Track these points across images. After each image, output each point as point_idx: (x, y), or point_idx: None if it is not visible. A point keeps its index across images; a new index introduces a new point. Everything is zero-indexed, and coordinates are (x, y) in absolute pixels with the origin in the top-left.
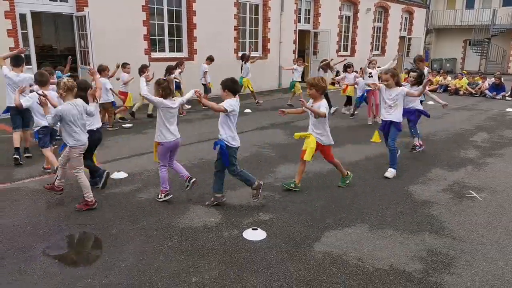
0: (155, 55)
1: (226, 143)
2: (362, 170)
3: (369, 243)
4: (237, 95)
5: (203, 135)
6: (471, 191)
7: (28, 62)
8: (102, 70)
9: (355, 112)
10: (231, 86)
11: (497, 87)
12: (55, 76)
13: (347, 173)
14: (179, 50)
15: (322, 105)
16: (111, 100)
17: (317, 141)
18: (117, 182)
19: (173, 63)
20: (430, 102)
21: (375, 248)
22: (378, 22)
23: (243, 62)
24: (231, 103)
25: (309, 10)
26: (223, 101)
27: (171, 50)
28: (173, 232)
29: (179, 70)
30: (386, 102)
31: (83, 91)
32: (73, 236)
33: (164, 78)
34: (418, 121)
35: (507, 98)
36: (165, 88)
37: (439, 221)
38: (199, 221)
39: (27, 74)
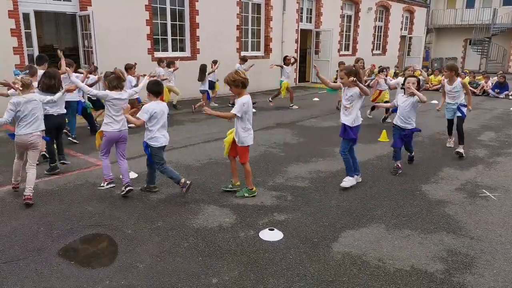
0: (158, 54)
1: (148, 142)
2: (373, 170)
3: (388, 244)
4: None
5: (211, 135)
6: (484, 190)
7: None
8: (128, 68)
9: (387, 117)
10: (151, 89)
11: (501, 86)
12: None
13: (254, 188)
14: (182, 49)
15: (236, 105)
16: (136, 96)
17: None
18: None
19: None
20: (435, 101)
21: (394, 248)
22: (379, 21)
23: (284, 65)
24: (149, 110)
25: (311, 10)
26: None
27: (174, 49)
28: (188, 233)
29: (212, 69)
30: (343, 103)
31: (51, 79)
32: (88, 237)
33: (112, 72)
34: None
35: (510, 97)
36: (111, 80)
37: (455, 221)
38: (214, 221)
39: None
